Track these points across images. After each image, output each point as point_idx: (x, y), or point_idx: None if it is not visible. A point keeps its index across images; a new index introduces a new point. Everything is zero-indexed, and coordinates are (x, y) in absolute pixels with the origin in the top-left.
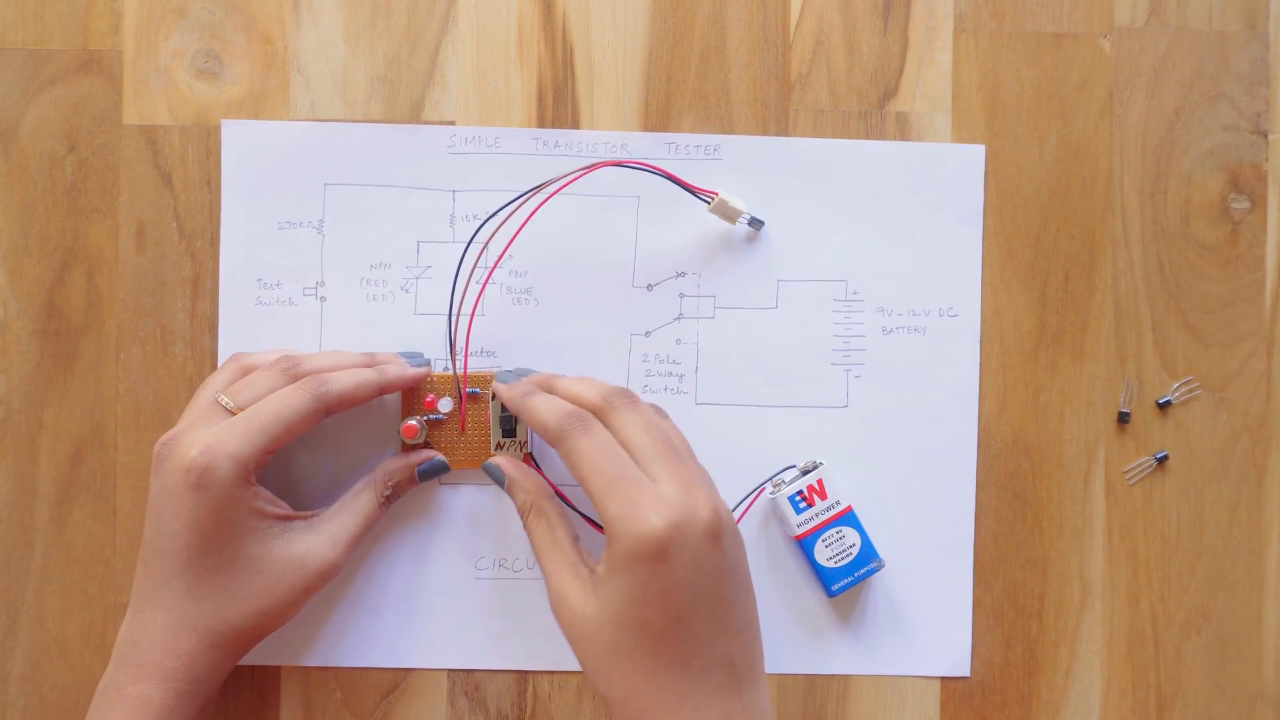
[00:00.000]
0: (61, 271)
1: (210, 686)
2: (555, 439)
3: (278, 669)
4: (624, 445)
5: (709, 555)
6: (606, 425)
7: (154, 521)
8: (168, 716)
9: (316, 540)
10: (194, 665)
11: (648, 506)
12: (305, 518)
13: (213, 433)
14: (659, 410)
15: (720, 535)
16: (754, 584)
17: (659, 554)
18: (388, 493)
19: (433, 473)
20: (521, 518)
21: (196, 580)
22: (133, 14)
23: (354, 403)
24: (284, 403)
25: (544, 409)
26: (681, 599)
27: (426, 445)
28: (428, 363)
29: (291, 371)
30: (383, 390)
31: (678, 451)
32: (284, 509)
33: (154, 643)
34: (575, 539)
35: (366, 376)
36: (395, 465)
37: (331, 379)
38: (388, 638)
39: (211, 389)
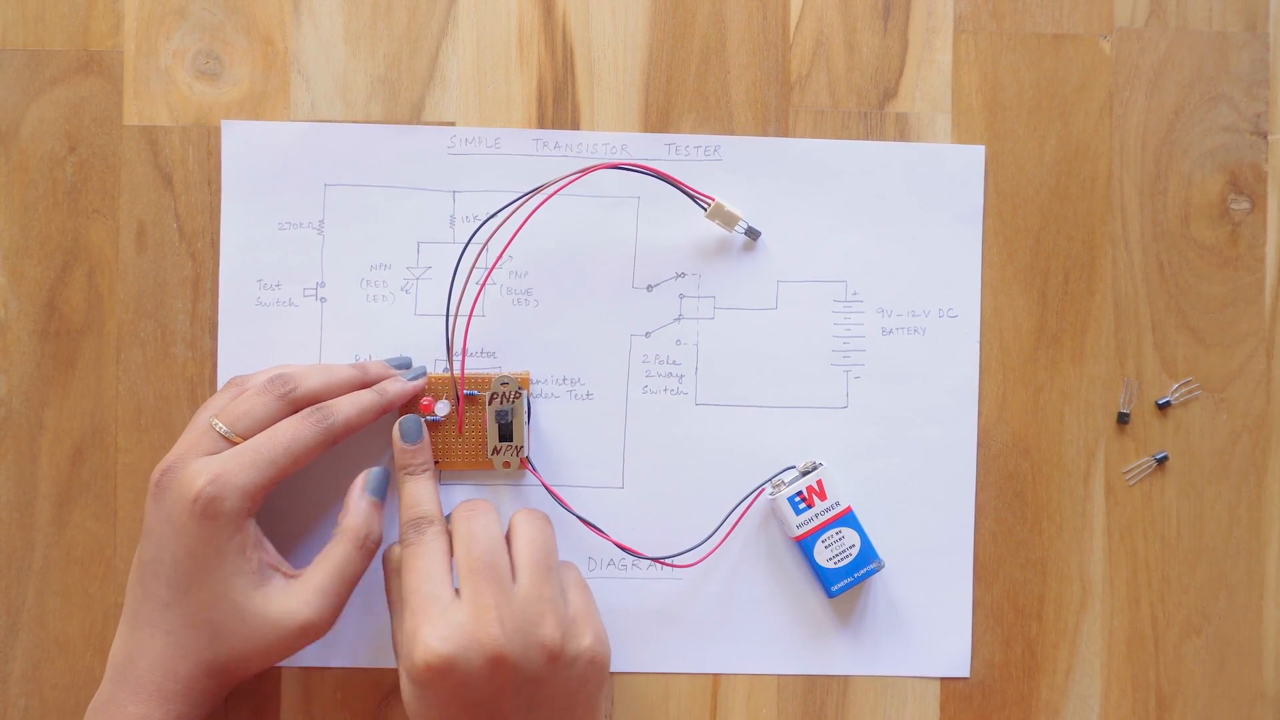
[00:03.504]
0: (62, 272)
1: (208, 709)
2: (399, 539)
3: (278, 669)
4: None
5: (488, 681)
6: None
7: (154, 546)
8: None
9: (292, 603)
10: (191, 691)
11: (427, 628)
12: (287, 575)
13: (219, 462)
14: (533, 516)
15: (504, 663)
16: (754, 585)
17: (430, 678)
18: (361, 537)
19: (381, 487)
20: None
21: (191, 610)
22: (133, 15)
23: (359, 429)
24: (293, 436)
25: (404, 505)
26: (457, 713)
27: None
28: (423, 370)
29: (288, 397)
30: (385, 411)
31: (492, 571)
32: (271, 555)
33: (153, 665)
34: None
35: (369, 401)
36: (358, 513)
37: (336, 409)
38: (388, 638)
39: (207, 413)
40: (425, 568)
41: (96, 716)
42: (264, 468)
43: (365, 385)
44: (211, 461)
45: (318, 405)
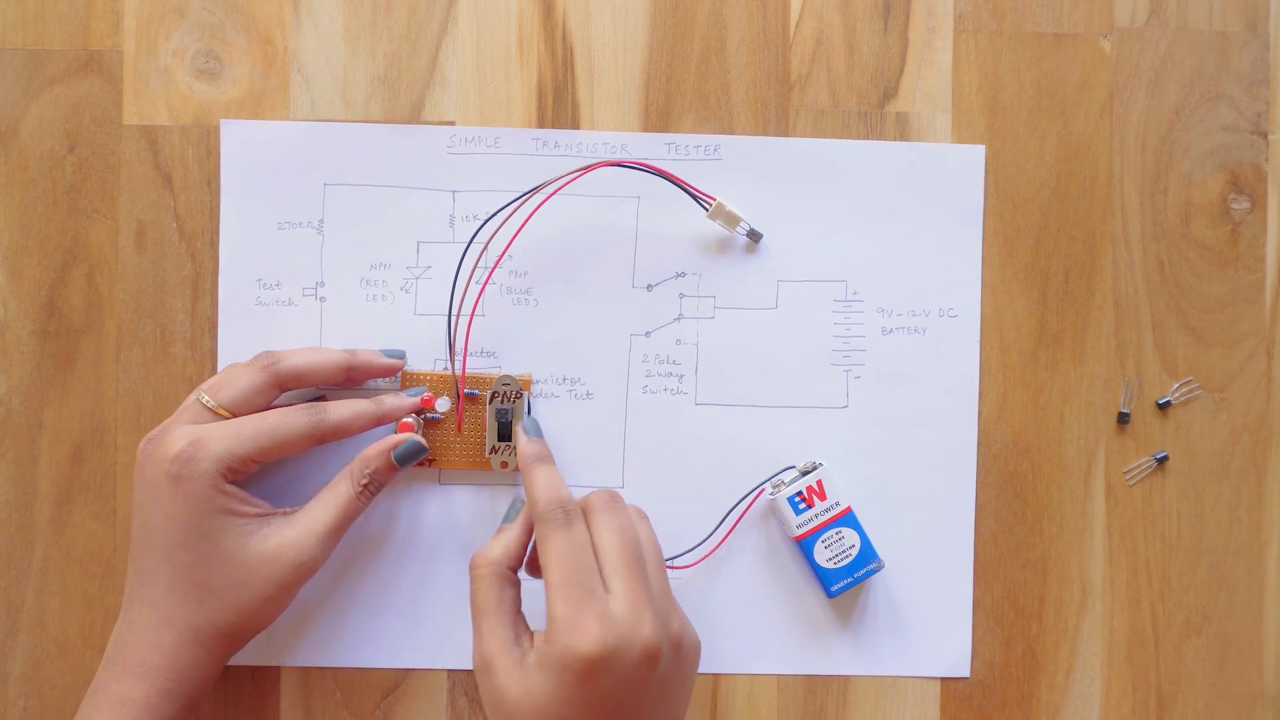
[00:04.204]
0: (62, 272)
1: (195, 686)
2: (537, 520)
3: (278, 669)
4: (595, 548)
5: (639, 676)
6: (587, 524)
7: (140, 517)
8: (148, 714)
9: (290, 534)
10: (175, 662)
11: (591, 620)
12: (284, 514)
13: (202, 429)
14: (641, 513)
15: (657, 658)
16: (754, 585)
17: (590, 670)
18: (365, 480)
19: (409, 457)
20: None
21: (176, 575)
22: (133, 14)
23: (349, 433)
24: (281, 419)
25: (540, 487)
26: (602, 711)
27: None
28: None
29: (271, 369)
30: (379, 421)
31: (642, 565)
32: (262, 507)
33: (138, 639)
34: (520, 608)
35: (363, 408)
36: (371, 452)
37: (330, 409)
38: (388, 638)
39: (197, 392)
40: (580, 558)
41: (86, 702)
42: (245, 440)
43: (353, 369)
44: (193, 428)
45: (314, 404)
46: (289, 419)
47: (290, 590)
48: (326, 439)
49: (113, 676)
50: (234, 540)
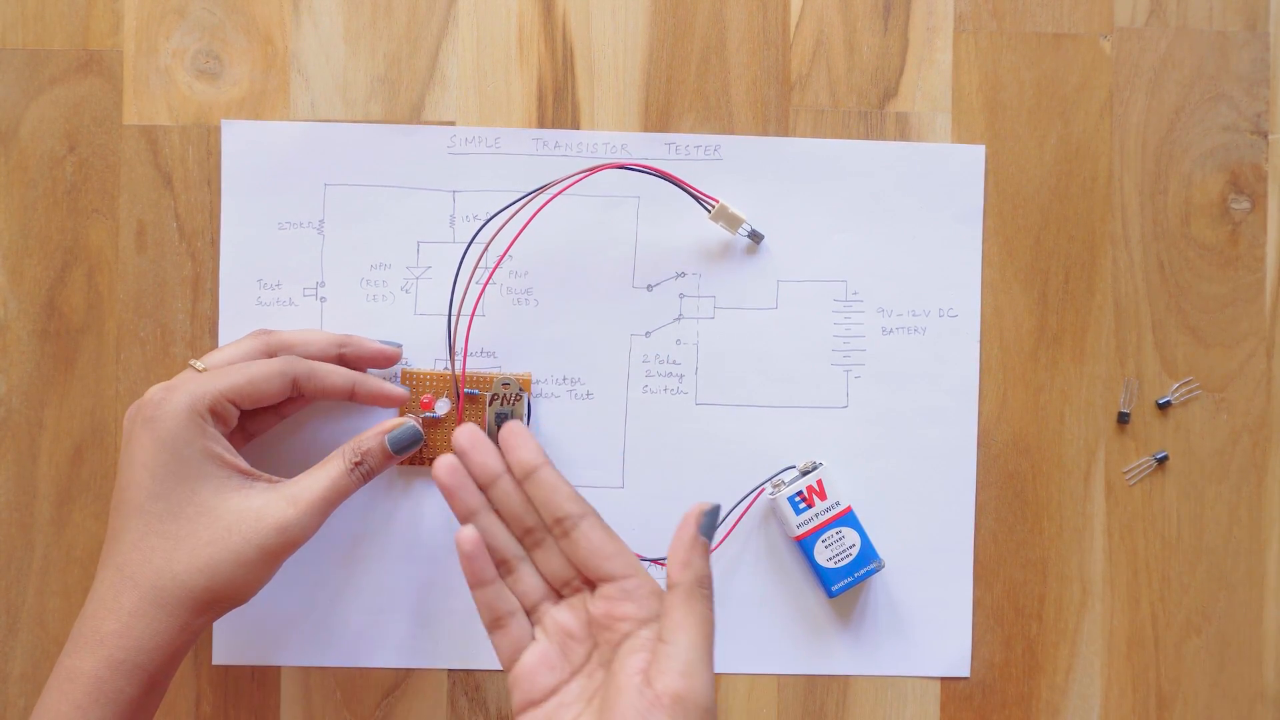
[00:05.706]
0: (62, 271)
1: (152, 659)
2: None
3: (278, 669)
4: None
5: None
6: None
7: (118, 479)
8: (98, 689)
9: (275, 496)
10: (131, 628)
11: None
12: (269, 480)
13: (178, 379)
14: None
15: None
16: (754, 585)
17: None
18: (356, 459)
19: (404, 441)
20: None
21: (146, 527)
22: (133, 14)
23: (324, 386)
24: (256, 365)
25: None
26: None
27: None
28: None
29: (262, 337)
30: (354, 388)
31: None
32: (246, 466)
33: (96, 606)
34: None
35: (340, 368)
36: (367, 432)
37: (306, 359)
38: (388, 638)
39: None
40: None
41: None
42: (218, 379)
43: (344, 347)
44: (171, 381)
45: (290, 354)
46: (264, 364)
47: (271, 558)
48: (300, 384)
49: (66, 651)
50: (213, 491)
